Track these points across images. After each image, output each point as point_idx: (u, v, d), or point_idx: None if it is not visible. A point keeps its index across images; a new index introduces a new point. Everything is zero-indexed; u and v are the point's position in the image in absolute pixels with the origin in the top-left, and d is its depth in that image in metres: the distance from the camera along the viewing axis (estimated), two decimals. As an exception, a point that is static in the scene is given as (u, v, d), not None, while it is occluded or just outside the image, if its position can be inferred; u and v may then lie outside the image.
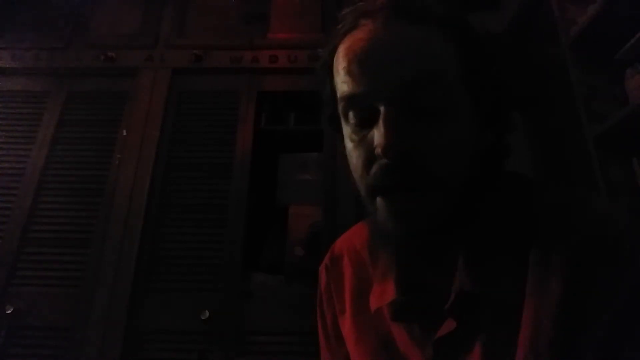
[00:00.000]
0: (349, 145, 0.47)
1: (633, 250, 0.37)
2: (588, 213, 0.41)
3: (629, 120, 1.21)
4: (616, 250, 0.38)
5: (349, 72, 0.44)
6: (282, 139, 2.06)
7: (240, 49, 2.09)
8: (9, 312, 1.62)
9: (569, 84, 1.43)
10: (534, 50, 1.85)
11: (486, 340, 0.40)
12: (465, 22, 0.46)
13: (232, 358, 1.58)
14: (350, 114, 0.45)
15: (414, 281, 0.48)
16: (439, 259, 0.47)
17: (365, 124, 0.44)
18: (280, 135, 2.06)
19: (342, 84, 0.45)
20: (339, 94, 0.46)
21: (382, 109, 0.41)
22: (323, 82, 0.50)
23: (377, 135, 0.41)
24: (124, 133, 1.94)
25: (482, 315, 0.41)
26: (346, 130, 0.47)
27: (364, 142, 0.44)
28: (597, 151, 1.29)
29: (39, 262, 1.74)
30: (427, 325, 0.45)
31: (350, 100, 0.44)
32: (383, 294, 0.49)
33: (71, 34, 2.16)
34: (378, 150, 0.41)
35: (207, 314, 1.61)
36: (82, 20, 2.20)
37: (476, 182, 0.45)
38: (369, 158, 0.43)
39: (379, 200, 0.43)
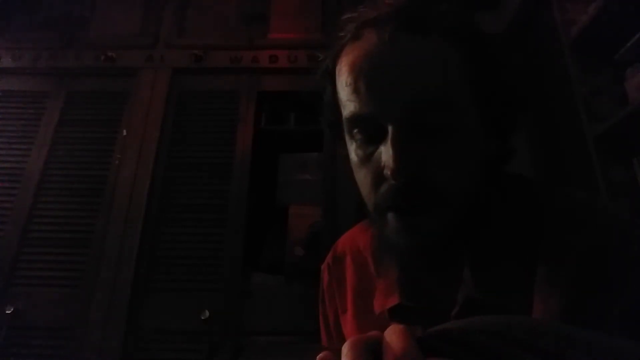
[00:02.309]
0: (354, 159, 0.46)
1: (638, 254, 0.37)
2: (594, 217, 0.41)
3: (629, 120, 1.21)
4: (624, 253, 0.38)
5: (355, 90, 0.43)
6: (282, 139, 2.06)
7: (240, 49, 2.08)
8: (9, 312, 1.62)
9: (569, 84, 1.43)
10: (534, 50, 1.85)
11: None
12: (472, 31, 0.44)
13: (232, 358, 1.58)
14: (355, 131, 0.45)
15: (419, 287, 0.48)
16: (445, 266, 0.47)
17: (371, 140, 0.44)
18: (280, 135, 2.06)
19: (348, 102, 0.44)
20: (344, 113, 0.45)
21: (390, 129, 0.41)
22: (323, 88, 0.50)
23: (386, 156, 0.41)
24: (124, 133, 1.94)
25: None
26: (350, 144, 0.47)
27: (371, 160, 0.43)
28: (597, 151, 1.29)
29: (39, 262, 1.74)
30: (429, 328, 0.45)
31: (357, 120, 0.44)
32: (387, 298, 0.49)
33: (71, 34, 2.16)
34: (387, 173, 0.40)
35: (207, 314, 1.61)
36: (82, 20, 2.20)
37: (481, 190, 0.45)
38: (377, 177, 0.43)
39: (389, 215, 0.43)
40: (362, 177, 0.45)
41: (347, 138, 0.48)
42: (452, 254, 0.46)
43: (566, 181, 1.64)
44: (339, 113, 0.47)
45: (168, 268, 1.74)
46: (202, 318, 1.61)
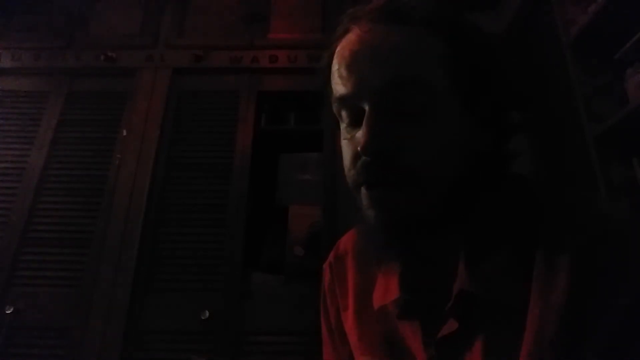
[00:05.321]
0: (342, 142, 0.49)
1: (639, 250, 0.37)
2: (593, 213, 0.41)
3: (629, 120, 1.21)
4: (622, 251, 0.37)
5: (340, 75, 0.47)
6: (282, 139, 2.06)
7: (240, 49, 2.09)
8: (9, 312, 1.62)
9: (569, 84, 1.44)
10: (534, 50, 1.85)
11: (488, 341, 0.40)
12: (455, 22, 0.46)
13: (232, 358, 1.58)
14: (343, 113, 0.48)
15: (417, 280, 0.48)
16: (441, 259, 0.48)
17: (355, 123, 0.47)
18: (280, 135, 2.06)
19: (335, 86, 0.48)
20: (333, 96, 0.49)
21: (366, 108, 0.44)
22: (325, 85, 0.52)
23: (360, 134, 0.44)
24: (124, 133, 1.94)
25: (483, 316, 0.41)
26: (341, 128, 0.50)
27: (352, 140, 0.46)
28: (597, 151, 1.29)
29: (39, 262, 1.74)
30: (430, 324, 0.45)
31: (341, 101, 0.47)
32: (386, 292, 0.49)
33: (71, 34, 2.16)
34: (359, 148, 0.43)
35: (207, 314, 1.61)
36: (82, 20, 2.20)
37: (470, 182, 0.45)
38: (355, 155, 0.45)
39: (362, 190, 0.45)
40: (345, 157, 0.48)
41: (340, 123, 0.50)
42: (447, 244, 0.46)
43: (566, 181, 1.64)
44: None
45: (168, 268, 1.74)
46: (202, 318, 1.61)
